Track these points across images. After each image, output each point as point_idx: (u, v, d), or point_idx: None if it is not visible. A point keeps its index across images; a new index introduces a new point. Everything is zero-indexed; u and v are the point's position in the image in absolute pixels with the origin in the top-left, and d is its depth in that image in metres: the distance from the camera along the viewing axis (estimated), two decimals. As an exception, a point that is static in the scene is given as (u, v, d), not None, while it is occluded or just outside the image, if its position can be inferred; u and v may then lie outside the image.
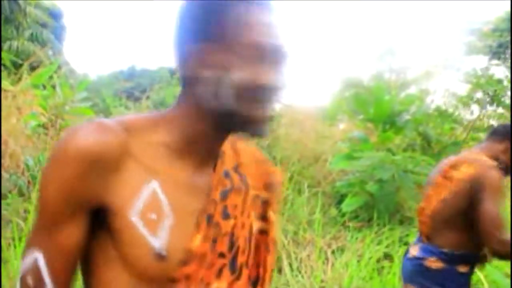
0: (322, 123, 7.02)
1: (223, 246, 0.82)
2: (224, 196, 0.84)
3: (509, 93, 8.38)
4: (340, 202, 5.32)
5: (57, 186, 0.72)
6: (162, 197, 0.76)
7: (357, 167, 5.13)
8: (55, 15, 14.44)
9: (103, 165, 0.72)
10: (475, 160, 2.03)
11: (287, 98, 6.54)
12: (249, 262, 0.87)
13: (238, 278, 0.84)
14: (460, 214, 1.99)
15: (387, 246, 4.38)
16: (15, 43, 10.87)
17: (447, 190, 2.05)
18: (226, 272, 0.82)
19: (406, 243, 4.37)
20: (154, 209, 0.75)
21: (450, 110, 6.87)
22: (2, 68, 6.11)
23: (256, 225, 0.89)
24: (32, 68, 6.98)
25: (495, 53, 16.29)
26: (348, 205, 4.98)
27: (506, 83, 8.46)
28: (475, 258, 2.05)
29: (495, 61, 16.64)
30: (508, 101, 8.06)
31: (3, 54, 6.12)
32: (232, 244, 0.84)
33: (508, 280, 1.69)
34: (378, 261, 4.11)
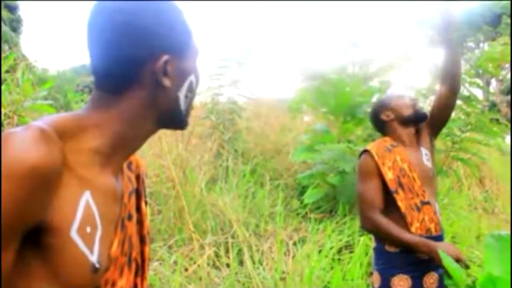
0: (285, 116, 7.02)
1: (126, 246, 0.82)
2: (129, 197, 0.85)
3: (466, 84, 8.61)
4: (302, 194, 5.33)
5: (2, 208, 0.61)
6: (94, 208, 0.71)
7: (318, 159, 5.15)
8: (10, 7, 13.93)
9: (49, 181, 0.64)
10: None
11: (251, 90, 6.50)
12: (137, 256, 0.88)
13: (131, 272, 0.85)
14: None
15: (348, 236, 4.42)
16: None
17: None
18: (126, 269, 0.82)
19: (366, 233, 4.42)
20: (88, 222, 0.70)
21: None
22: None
23: (135, 217, 0.89)
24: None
25: (455, 47, 16.76)
26: (310, 197, 4.99)
27: (466, 77, 8.67)
28: None
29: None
30: (465, 93, 8.28)
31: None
32: (130, 242, 0.84)
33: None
34: (339, 251, 4.14)
